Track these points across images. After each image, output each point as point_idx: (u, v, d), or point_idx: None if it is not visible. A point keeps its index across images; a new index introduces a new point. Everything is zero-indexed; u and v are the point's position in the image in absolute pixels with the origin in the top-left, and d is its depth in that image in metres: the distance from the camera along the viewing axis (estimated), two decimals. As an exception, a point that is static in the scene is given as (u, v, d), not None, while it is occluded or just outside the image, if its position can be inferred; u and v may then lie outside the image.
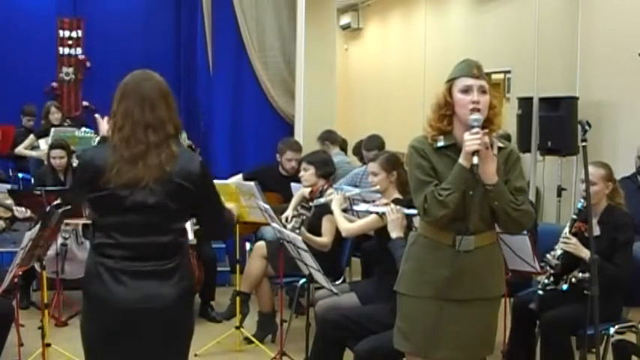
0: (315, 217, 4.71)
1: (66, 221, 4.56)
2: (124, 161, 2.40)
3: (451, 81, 2.75)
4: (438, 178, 2.73)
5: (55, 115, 7.34)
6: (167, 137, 2.45)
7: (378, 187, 4.00)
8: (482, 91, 2.71)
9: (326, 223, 4.66)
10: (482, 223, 2.76)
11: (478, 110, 2.67)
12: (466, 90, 2.71)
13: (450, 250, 2.75)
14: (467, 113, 2.68)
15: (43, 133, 7.15)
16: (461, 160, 2.67)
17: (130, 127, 2.42)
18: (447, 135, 2.77)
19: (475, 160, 2.61)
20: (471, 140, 2.62)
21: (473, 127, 2.64)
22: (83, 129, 6.75)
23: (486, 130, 2.69)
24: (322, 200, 4.49)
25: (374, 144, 5.95)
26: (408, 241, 2.99)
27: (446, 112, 2.75)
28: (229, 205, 2.99)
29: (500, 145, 2.81)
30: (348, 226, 4.15)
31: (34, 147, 7.20)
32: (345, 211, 4.38)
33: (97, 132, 3.01)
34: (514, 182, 2.79)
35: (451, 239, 2.75)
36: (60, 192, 4.88)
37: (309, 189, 4.87)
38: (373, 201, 4.10)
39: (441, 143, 2.77)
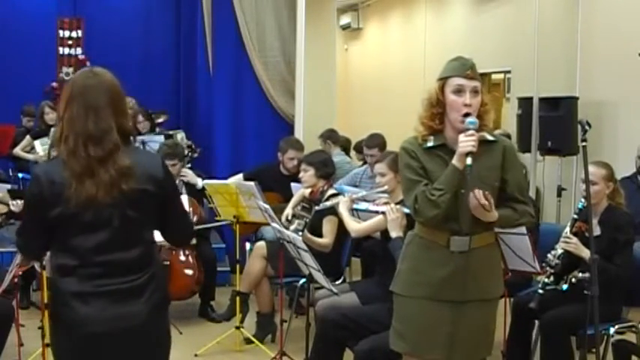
0: (315, 218, 4.71)
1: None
2: (75, 177, 2.21)
3: (444, 79, 2.72)
4: (429, 178, 2.71)
5: (50, 115, 7.34)
6: (112, 150, 2.23)
7: (386, 187, 3.99)
8: (475, 92, 2.68)
9: (327, 225, 4.66)
10: (477, 224, 2.72)
11: (470, 114, 2.65)
12: (459, 91, 2.68)
13: (444, 251, 2.73)
14: (458, 117, 2.66)
15: (39, 134, 7.16)
16: (454, 162, 2.65)
17: (73, 139, 2.23)
18: (437, 135, 2.74)
19: (469, 160, 2.60)
20: (465, 142, 2.61)
21: (468, 129, 2.63)
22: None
23: (481, 134, 2.67)
24: (328, 204, 4.48)
25: (375, 142, 5.95)
26: (405, 240, 2.97)
27: (437, 110, 2.73)
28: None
29: (490, 137, 2.76)
30: (358, 227, 4.14)
31: (31, 148, 7.21)
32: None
33: None
34: (517, 183, 2.78)
35: (445, 240, 2.73)
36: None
37: (309, 189, 4.87)
38: (374, 200, 4.10)
39: (430, 143, 2.74)
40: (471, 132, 2.61)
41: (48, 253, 4.37)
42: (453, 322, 2.75)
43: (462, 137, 2.62)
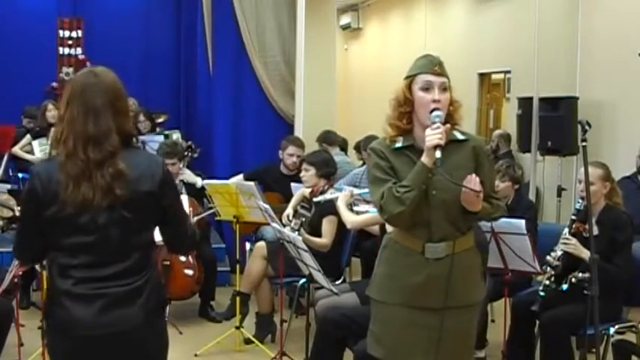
0: (315, 217, 4.72)
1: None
2: (71, 179, 2.18)
3: (411, 77, 2.68)
4: (397, 177, 2.64)
5: (52, 113, 7.33)
6: (112, 153, 2.20)
7: None
8: (443, 88, 2.64)
9: (326, 224, 4.66)
10: (451, 228, 2.65)
11: (438, 109, 2.60)
12: (427, 88, 2.63)
13: (419, 257, 2.66)
14: (427, 114, 2.61)
15: (39, 133, 7.16)
16: (423, 158, 2.58)
17: (72, 141, 2.20)
18: (406, 135, 2.69)
19: (438, 154, 2.52)
20: (432, 135, 2.54)
21: (434, 122, 2.57)
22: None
23: (448, 126, 2.60)
24: (328, 196, 4.49)
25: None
26: (381, 244, 2.88)
27: (405, 109, 2.67)
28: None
29: (460, 137, 2.70)
30: (354, 219, 4.14)
31: (31, 149, 7.22)
32: None
33: None
34: (489, 182, 2.74)
35: (420, 246, 2.65)
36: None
37: (309, 189, 4.87)
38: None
39: (399, 144, 2.68)
40: (436, 125, 2.55)
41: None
42: (433, 328, 2.67)
43: (428, 131, 2.56)
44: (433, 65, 2.65)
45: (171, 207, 2.36)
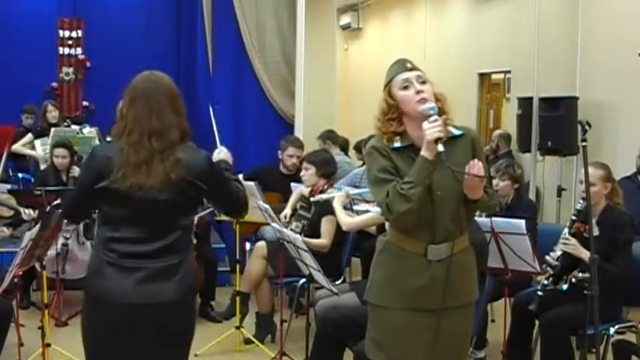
0: (315, 217, 4.72)
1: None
2: (130, 165, 2.43)
3: (388, 84, 2.65)
4: (400, 176, 2.60)
5: (53, 114, 7.35)
6: (172, 144, 2.47)
7: None
8: (422, 81, 2.61)
9: (325, 225, 4.66)
10: (453, 228, 2.63)
11: (426, 99, 2.56)
12: (406, 86, 2.60)
13: (421, 260, 2.63)
14: (415, 108, 2.57)
15: (41, 133, 7.15)
16: (423, 152, 2.54)
17: (138, 134, 2.45)
18: (402, 136, 2.65)
19: (440, 147, 2.48)
20: (431, 128, 2.49)
21: (430, 115, 2.52)
22: (87, 129, 6.75)
23: (444, 116, 2.57)
24: (325, 196, 4.49)
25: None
26: (376, 247, 2.84)
27: (392, 115, 2.64)
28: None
29: (456, 132, 2.66)
30: (349, 221, 4.14)
31: (32, 147, 7.20)
32: (344, 209, 4.38)
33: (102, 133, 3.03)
34: (484, 173, 2.65)
35: (422, 248, 2.62)
36: (60, 192, 4.87)
37: (309, 188, 4.87)
38: (373, 201, 4.10)
39: (397, 144, 2.64)
40: (433, 118, 2.51)
41: (49, 253, 4.43)
42: (432, 330, 2.65)
43: (425, 124, 2.51)
44: (404, 64, 2.65)
45: (219, 191, 2.62)
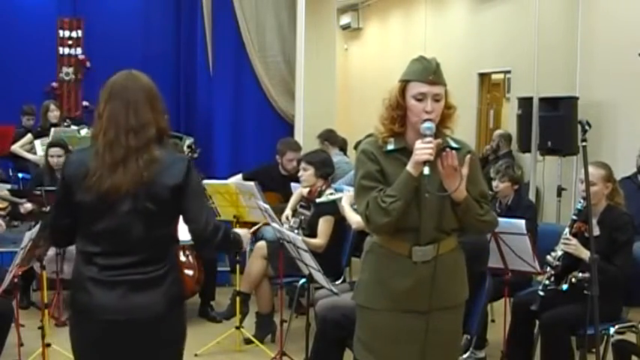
0: (314, 216, 4.72)
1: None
2: (106, 167, 2.35)
3: (405, 82, 2.61)
4: (387, 181, 2.59)
5: (54, 113, 7.34)
6: (148, 141, 2.38)
7: None
8: (437, 99, 2.56)
9: (323, 224, 4.66)
10: (437, 231, 2.61)
11: (430, 120, 2.53)
12: (420, 99, 2.56)
13: (406, 261, 2.61)
14: (418, 121, 2.55)
15: (41, 133, 7.15)
16: (409, 167, 2.52)
17: (114, 132, 2.37)
18: (397, 137, 2.64)
19: (426, 170, 2.45)
20: (421, 150, 2.47)
21: (425, 135, 2.51)
22: (85, 130, 6.75)
23: (439, 140, 2.54)
24: (331, 198, 4.48)
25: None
26: (364, 248, 2.82)
27: (397, 113, 2.62)
28: (240, 230, 2.74)
29: (455, 145, 2.64)
30: (358, 219, 4.14)
31: (32, 147, 7.20)
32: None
33: None
34: (479, 186, 2.68)
35: (407, 250, 2.60)
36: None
37: (307, 189, 4.87)
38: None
39: (391, 146, 2.63)
40: (428, 139, 2.49)
41: (49, 253, 4.43)
42: (421, 331, 2.64)
43: (418, 144, 2.49)
44: (428, 74, 2.56)
45: (192, 202, 2.44)
